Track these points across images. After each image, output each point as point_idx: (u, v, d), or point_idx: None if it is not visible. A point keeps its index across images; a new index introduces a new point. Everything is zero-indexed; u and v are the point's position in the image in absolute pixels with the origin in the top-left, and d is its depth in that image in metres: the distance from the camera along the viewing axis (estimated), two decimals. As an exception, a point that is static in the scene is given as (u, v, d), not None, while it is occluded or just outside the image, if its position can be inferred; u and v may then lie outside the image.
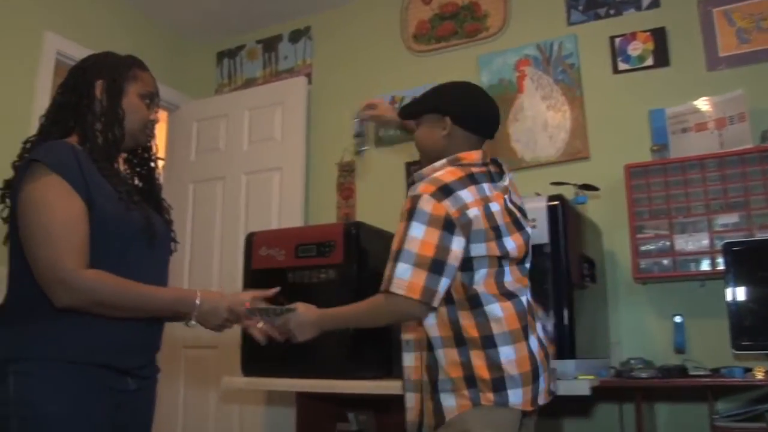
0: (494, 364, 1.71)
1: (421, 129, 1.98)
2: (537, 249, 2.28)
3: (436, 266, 1.69)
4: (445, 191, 1.75)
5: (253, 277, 2.62)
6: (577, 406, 2.79)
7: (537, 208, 2.31)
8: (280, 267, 2.58)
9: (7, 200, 1.61)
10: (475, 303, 1.75)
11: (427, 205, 1.73)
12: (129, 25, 3.80)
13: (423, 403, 1.79)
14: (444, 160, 1.87)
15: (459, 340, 1.74)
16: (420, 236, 1.71)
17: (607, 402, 2.75)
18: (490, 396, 1.70)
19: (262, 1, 3.82)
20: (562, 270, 2.27)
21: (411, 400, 1.85)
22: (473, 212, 1.74)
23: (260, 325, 1.85)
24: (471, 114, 1.94)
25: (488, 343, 1.72)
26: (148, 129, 1.79)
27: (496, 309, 1.74)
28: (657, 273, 2.71)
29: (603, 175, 2.92)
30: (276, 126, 3.69)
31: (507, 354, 1.72)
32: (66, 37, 3.39)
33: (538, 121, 3.22)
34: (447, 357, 1.74)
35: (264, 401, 3.38)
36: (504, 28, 3.39)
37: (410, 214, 1.74)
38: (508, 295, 1.78)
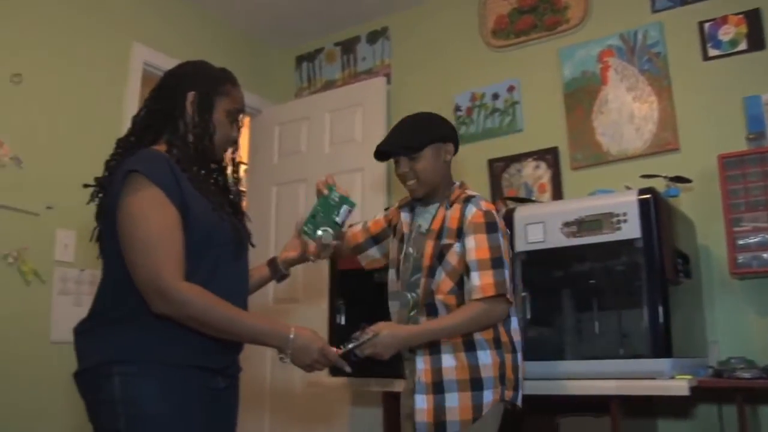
0: (516, 367, 1.99)
1: (423, 161, 2.06)
2: (628, 244, 2.24)
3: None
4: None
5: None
6: (673, 406, 2.70)
7: (627, 202, 2.24)
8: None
9: (97, 199, 1.67)
10: None
11: (497, 219, 2.00)
12: (212, 34, 3.91)
13: (451, 402, 1.91)
14: (457, 183, 2.13)
15: (497, 343, 1.97)
16: (504, 246, 1.97)
17: (705, 403, 2.64)
18: (510, 393, 1.96)
19: (339, 3, 3.86)
20: (656, 265, 2.19)
21: (424, 401, 1.95)
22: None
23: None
24: (457, 139, 2.17)
25: (514, 348, 2.00)
26: (228, 145, 1.81)
27: (514, 320, 2.04)
28: (756, 268, 2.57)
29: (694, 166, 2.81)
30: (356, 127, 3.71)
31: (521, 360, 2.01)
32: (153, 47, 3.51)
33: (623, 113, 3.12)
34: (491, 357, 1.95)
35: (350, 401, 3.41)
36: (585, 20, 3.30)
37: (492, 226, 1.97)
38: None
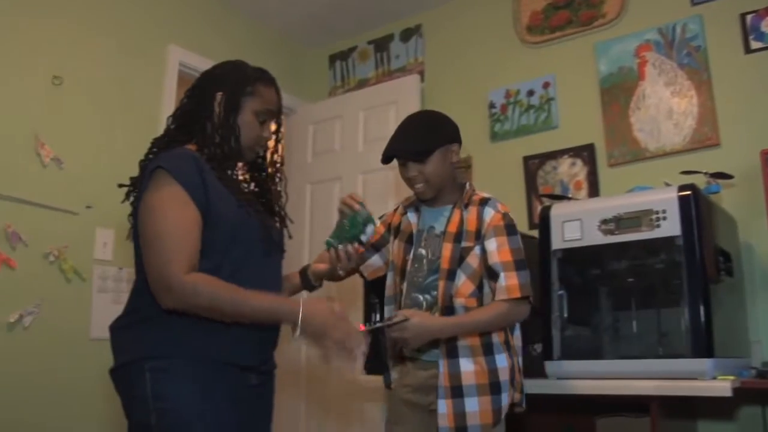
0: (520, 370, 2.06)
1: (432, 164, 2.06)
2: (668, 242, 2.19)
3: None
4: None
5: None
6: (714, 408, 2.64)
7: (667, 199, 2.20)
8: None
9: (131, 197, 1.69)
10: None
11: (514, 221, 2.05)
12: (246, 35, 3.94)
13: (471, 407, 1.93)
14: (467, 184, 2.15)
15: (508, 346, 2.03)
16: (522, 248, 2.01)
17: (748, 405, 2.58)
18: (519, 396, 2.03)
19: (372, 2, 3.85)
20: (697, 264, 2.14)
21: (444, 406, 1.94)
22: None
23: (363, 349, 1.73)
24: (461, 138, 2.17)
25: (518, 351, 2.06)
26: (258, 146, 1.81)
27: (518, 324, 2.09)
28: (801, 266, 2.52)
29: (736, 162, 2.75)
30: (390, 125, 3.67)
31: (521, 363, 2.08)
32: (188, 48, 3.56)
33: (661, 108, 3.07)
34: (506, 361, 1.99)
35: (383, 399, 3.40)
36: (622, 14, 3.25)
37: (512, 228, 2.03)
38: None
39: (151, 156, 1.72)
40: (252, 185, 1.88)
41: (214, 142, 1.71)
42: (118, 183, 1.75)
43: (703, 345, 2.09)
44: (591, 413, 2.58)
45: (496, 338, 2.00)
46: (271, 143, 1.89)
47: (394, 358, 2.14)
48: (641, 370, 2.18)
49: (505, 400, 1.96)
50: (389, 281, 2.17)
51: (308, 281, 2.04)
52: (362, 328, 1.77)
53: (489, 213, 2.03)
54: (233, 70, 1.79)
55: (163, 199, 1.58)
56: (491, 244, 2.00)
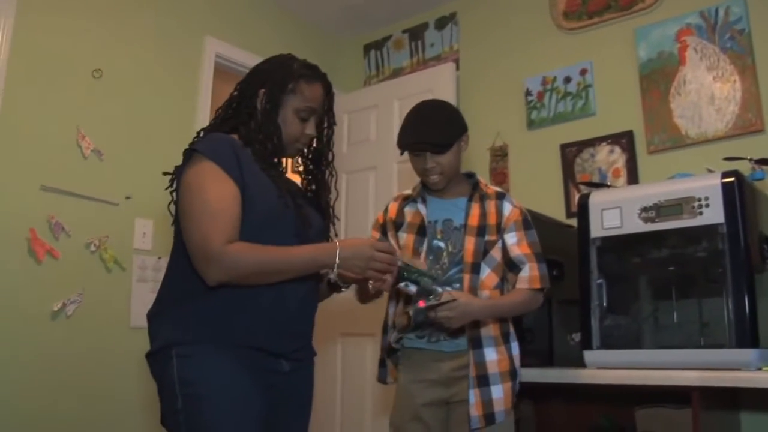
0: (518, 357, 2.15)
1: (449, 155, 2.09)
2: (711, 230, 2.15)
3: None
4: None
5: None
6: (758, 399, 2.58)
7: (710, 186, 2.15)
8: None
9: (174, 184, 1.72)
10: None
11: (529, 216, 2.17)
12: (280, 26, 3.95)
13: (497, 393, 2.02)
14: (475, 174, 2.22)
15: (515, 335, 2.15)
16: (539, 242, 2.14)
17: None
18: (517, 383, 2.12)
19: (407, -10, 3.83)
20: (740, 252, 2.09)
21: (473, 395, 2.01)
22: None
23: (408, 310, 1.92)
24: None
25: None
26: (300, 143, 1.82)
27: None
28: None
29: (781, 148, 2.68)
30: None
31: None
32: (224, 40, 3.58)
33: (703, 94, 3.00)
34: (517, 348, 2.13)
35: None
36: (662, -2, 3.19)
37: (529, 223, 2.15)
38: None
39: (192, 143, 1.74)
40: (305, 181, 1.89)
41: (258, 138, 1.73)
42: (163, 171, 1.78)
43: (747, 335, 2.04)
44: (630, 404, 2.54)
45: (510, 327, 2.13)
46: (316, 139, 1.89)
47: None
48: (682, 360, 2.14)
49: (516, 385, 2.10)
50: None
51: (336, 284, 1.91)
52: (422, 304, 1.84)
53: (508, 207, 2.13)
54: (279, 66, 1.79)
55: (200, 175, 1.60)
56: (511, 238, 2.11)
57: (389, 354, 2.19)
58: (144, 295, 2.98)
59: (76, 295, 2.79)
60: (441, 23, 3.96)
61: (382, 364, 2.24)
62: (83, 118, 2.91)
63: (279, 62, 1.81)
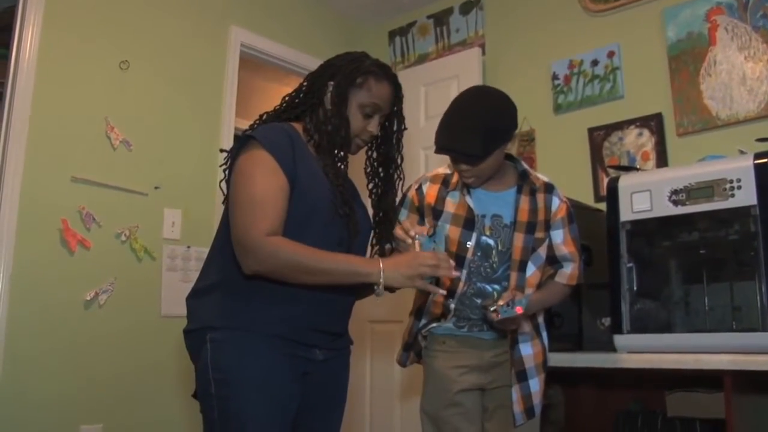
0: None
1: (487, 162, 1.98)
2: (743, 211, 2.11)
3: None
4: None
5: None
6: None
7: (742, 167, 2.11)
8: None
9: (228, 162, 1.72)
10: None
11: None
12: (306, 15, 3.95)
13: (534, 387, 2.04)
14: (522, 162, 2.14)
15: (544, 324, 2.15)
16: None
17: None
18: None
19: (431, -25, 3.81)
20: (774, 234, 2.06)
21: (515, 392, 2.02)
22: None
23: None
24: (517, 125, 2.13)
25: None
26: (360, 139, 1.80)
27: None
28: None
29: (816, 128, 2.62)
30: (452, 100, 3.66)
31: None
32: (250, 30, 3.59)
33: (734, 74, 2.94)
34: (547, 339, 2.13)
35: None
36: (691, -23, 3.13)
37: (572, 217, 2.15)
38: None
39: (252, 128, 1.76)
40: (371, 183, 1.88)
41: (325, 129, 1.72)
42: (220, 148, 1.78)
43: (782, 318, 2.01)
44: (660, 388, 2.52)
45: (541, 318, 2.13)
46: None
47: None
48: (714, 343, 2.12)
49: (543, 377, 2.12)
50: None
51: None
52: (497, 316, 1.85)
53: (556, 203, 2.10)
54: (350, 61, 1.78)
55: (252, 164, 1.61)
56: (558, 236, 2.10)
57: (416, 339, 2.17)
58: (174, 284, 3.01)
59: (108, 285, 2.84)
60: (466, 8, 3.92)
61: (407, 348, 2.21)
62: (111, 110, 2.94)
63: (351, 57, 1.80)
